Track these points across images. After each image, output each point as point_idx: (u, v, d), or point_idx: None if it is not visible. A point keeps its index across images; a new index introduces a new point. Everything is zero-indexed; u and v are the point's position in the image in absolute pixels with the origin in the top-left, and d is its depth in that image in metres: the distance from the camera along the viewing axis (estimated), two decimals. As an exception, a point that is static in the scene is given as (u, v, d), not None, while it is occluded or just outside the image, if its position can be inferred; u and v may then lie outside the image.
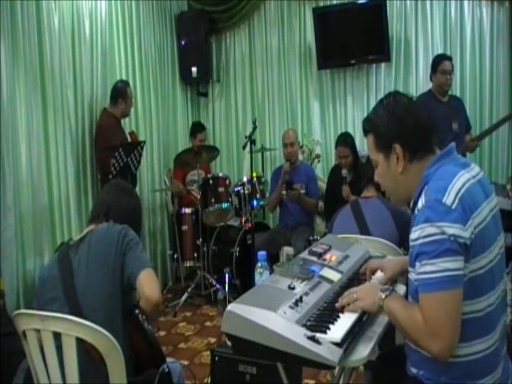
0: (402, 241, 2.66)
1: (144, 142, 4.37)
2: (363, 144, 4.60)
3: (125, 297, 1.90)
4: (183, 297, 4.45)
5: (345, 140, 4.31)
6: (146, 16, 5.12)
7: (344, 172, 4.14)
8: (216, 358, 2.56)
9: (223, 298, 4.18)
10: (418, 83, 5.11)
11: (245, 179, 4.91)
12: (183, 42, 5.57)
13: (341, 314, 1.56)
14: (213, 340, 3.75)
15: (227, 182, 4.68)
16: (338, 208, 3.16)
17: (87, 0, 4.22)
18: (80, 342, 1.68)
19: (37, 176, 3.64)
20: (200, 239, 4.61)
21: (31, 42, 3.62)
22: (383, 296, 1.50)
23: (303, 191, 4.49)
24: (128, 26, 4.80)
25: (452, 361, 1.40)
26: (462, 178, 1.44)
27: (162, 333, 3.95)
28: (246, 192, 4.79)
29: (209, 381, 2.62)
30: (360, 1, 5.21)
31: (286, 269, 1.81)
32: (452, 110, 4.20)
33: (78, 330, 1.67)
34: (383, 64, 5.25)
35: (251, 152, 4.12)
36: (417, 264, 1.39)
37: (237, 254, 4.57)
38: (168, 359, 1.95)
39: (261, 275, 1.94)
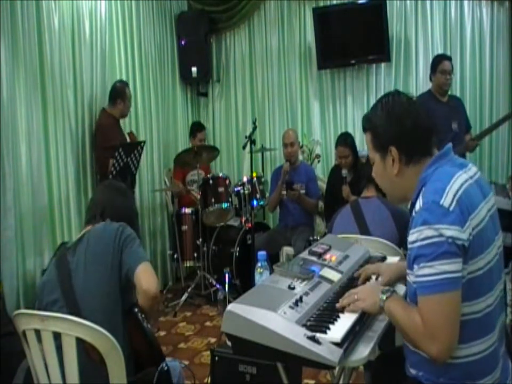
0: (402, 241, 2.65)
1: (144, 142, 4.37)
2: (363, 144, 4.60)
3: (124, 296, 1.90)
4: (183, 297, 4.45)
5: (345, 140, 4.31)
6: (146, 16, 5.12)
7: (344, 172, 4.14)
8: (216, 358, 2.56)
9: (223, 298, 4.18)
10: (418, 83, 5.11)
11: (245, 179, 4.90)
12: (183, 42, 5.57)
13: (341, 314, 1.56)
14: (213, 340, 3.75)
15: (227, 182, 4.68)
16: (338, 208, 3.16)
17: (87, 0, 4.22)
18: (80, 342, 1.68)
19: (37, 176, 3.65)
20: (200, 239, 4.61)
21: (31, 42, 3.62)
22: (384, 298, 1.49)
23: (303, 191, 4.49)
24: (128, 26, 4.80)
25: (451, 363, 1.40)
26: (460, 179, 1.44)
27: (162, 333, 3.95)
28: (246, 192, 4.79)
29: (209, 381, 2.61)
30: (360, 1, 5.21)
31: (286, 269, 1.81)
32: (452, 110, 4.20)
33: (78, 330, 1.67)
34: (383, 64, 5.25)
35: (251, 152, 4.12)
36: (416, 266, 1.38)
37: (237, 254, 4.57)
38: (168, 359, 1.95)
39: (261, 275, 1.94)
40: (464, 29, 4.97)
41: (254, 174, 4.51)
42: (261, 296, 1.59)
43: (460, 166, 1.51)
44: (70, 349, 1.68)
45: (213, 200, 4.54)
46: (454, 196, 1.38)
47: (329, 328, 1.46)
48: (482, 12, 4.91)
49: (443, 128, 3.96)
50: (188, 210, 4.80)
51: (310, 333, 1.39)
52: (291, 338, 1.37)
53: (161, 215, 5.24)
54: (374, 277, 1.91)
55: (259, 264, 1.96)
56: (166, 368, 1.83)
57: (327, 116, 5.54)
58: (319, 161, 5.36)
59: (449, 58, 4.26)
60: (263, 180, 5.08)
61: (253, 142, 4.12)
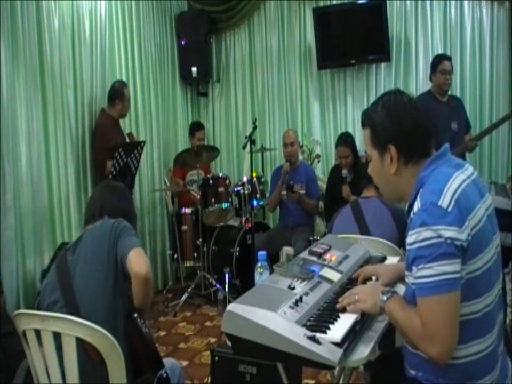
0: (402, 242, 2.64)
1: (144, 142, 4.37)
2: (363, 144, 4.59)
3: (124, 296, 1.90)
4: (183, 297, 4.45)
5: (345, 140, 4.31)
6: (146, 16, 5.12)
7: (344, 172, 4.14)
8: (216, 358, 2.56)
9: (223, 298, 4.18)
10: (418, 83, 5.11)
11: (245, 179, 4.91)
12: (183, 42, 5.57)
13: (341, 314, 1.56)
14: (213, 340, 3.75)
15: (227, 182, 4.68)
16: (338, 208, 3.16)
17: (87, 0, 4.22)
18: (80, 342, 1.68)
19: (37, 176, 3.64)
20: (200, 239, 4.61)
21: (31, 42, 3.62)
22: (385, 299, 1.49)
23: (303, 192, 4.49)
24: (128, 26, 4.80)
25: (450, 363, 1.40)
26: (457, 180, 1.43)
27: (162, 333, 3.95)
28: (246, 192, 4.79)
29: (209, 381, 2.61)
30: (360, 1, 5.21)
31: (286, 269, 1.81)
32: (452, 110, 4.20)
33: (78, 330, 1.67)
34: (383, 64, 5.24)
35: (251, 152, 4.12)
36: (414, 268, 1.38)
37: (237, 254, 4.57)
38: (168, 359, 1.94)
39: (261, 275, 1.94)
40: (464, 29, 4.97)
41: (254, 174, 4.51)
42: (261, 296, 1.59)
43: (456, 166, 1.50)
44: (70, 349, 1.68)
45: (213, 200, 4.54)
46: (452, 196, 1.38)
47: (329, 328, 1.46)
48: (482, 12, 4.91)
49: (443, 128, 3.96)
50: (187, 210, 4.80)
51: (310, 333, 1.39)
52: (291, 338, 1.37)
53: (161, 215, 5.24)
54: (374, 277, 1.91)
55: (259, 264, 1.96)
56: (165, 375, 1.82)
57: (327, 116, 5.54)
58: (319, 161, 5.36)
59: (449, 58, 4.26)
60: (263, 180, 5.08)
61: (253, 142, 4.11)
